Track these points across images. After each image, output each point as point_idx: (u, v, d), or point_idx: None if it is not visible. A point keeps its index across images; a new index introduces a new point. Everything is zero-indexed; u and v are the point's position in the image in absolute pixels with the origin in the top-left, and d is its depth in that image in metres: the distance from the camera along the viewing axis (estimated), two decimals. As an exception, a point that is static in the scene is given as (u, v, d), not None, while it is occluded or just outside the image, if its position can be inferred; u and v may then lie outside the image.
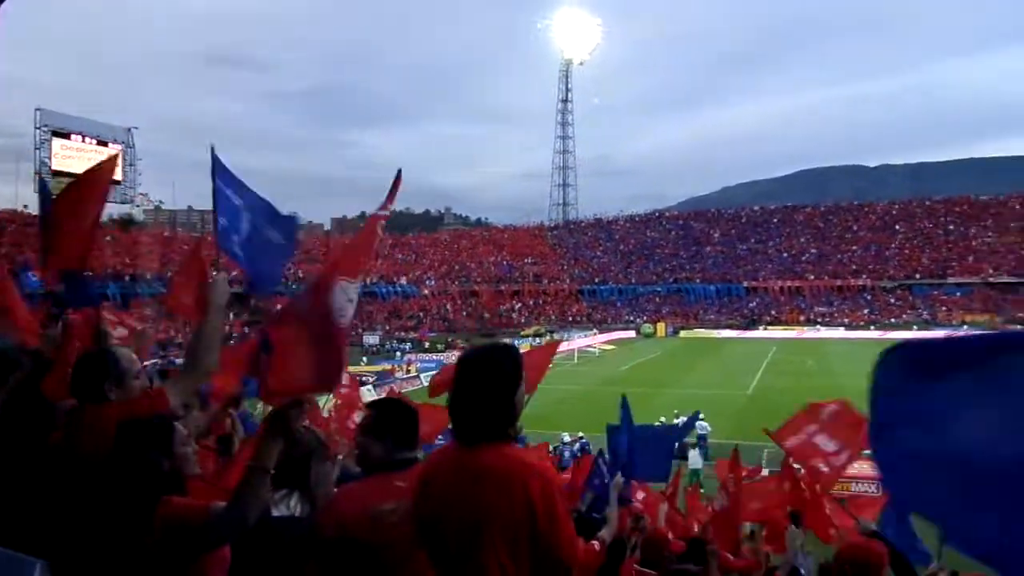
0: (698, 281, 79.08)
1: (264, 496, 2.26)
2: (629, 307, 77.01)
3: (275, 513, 2.55)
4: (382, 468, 2.51)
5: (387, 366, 41.23)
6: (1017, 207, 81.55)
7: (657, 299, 77.75)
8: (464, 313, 74.46)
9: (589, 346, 55.13)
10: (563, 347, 53.58)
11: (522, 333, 62.93)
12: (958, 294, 69.87)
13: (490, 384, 2.13)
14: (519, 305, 76.95)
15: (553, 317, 73.84)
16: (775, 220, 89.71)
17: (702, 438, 19.12)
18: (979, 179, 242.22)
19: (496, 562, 1.96)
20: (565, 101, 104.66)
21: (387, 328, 64.96)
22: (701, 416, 19.23)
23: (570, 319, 73.65)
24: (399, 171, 2.75)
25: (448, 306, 75.41)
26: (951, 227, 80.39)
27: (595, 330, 66.10)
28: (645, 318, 72.86)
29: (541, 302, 77.80)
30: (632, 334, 67.72)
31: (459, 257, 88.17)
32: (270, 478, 2.26)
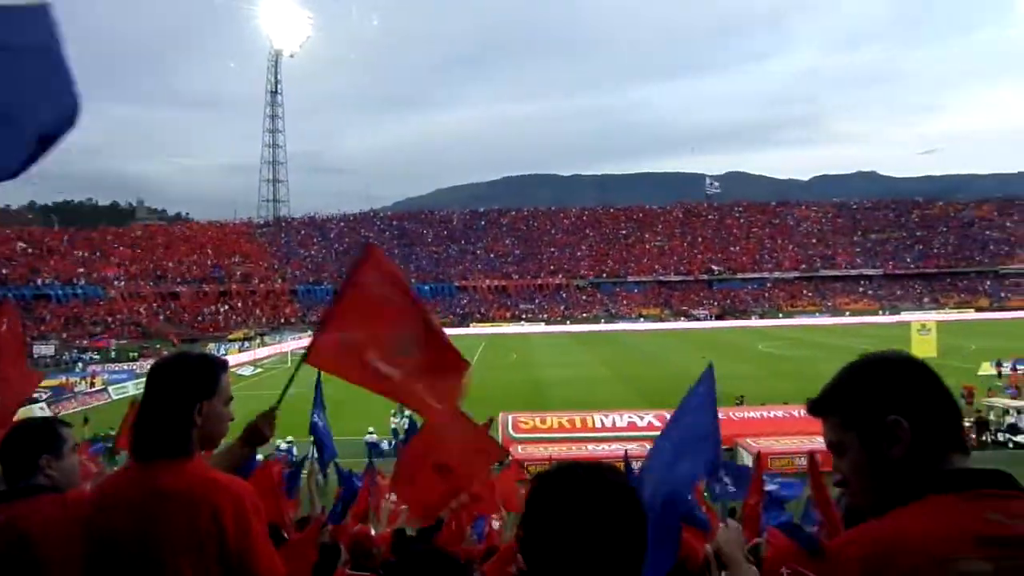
0: (412, 281, 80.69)
1: None
2: (344, 307, 76.12)
3: None
4: None
5: (64, 380, 36.07)
6: (680, 215, 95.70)
7: (372, 299, 77.84)
8: (162, 317, 67.68)
9: (303, 348, 53.38)
10: (275, 349, 51.54)
11: (230, 337, 59.05)
12: (636, 291, 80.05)
13: (172, 396, 1.97)
14: (225, 307, 71.92)
15: (264, 319, 70.27)
16: (483, 223, 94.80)
17: (403, 436, 19.44)
18: (653, 191, 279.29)
19: None
20: (275, 93, 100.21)
21: (65, 336, 56.71)
22: (407, 413, 19.69)
23: (283, 321, 70.66)
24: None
25: (142, 309, 68.00)
26: (630, 232, 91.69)
27: (311, 332, 64.20)
28: (361, 318, 72.52)
29: (250, 303, 73.53)
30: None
31: (154, 255, 79.82)
32: None
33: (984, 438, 21.33)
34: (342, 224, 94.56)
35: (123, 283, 71.90)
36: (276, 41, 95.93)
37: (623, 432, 20.97)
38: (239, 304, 73.01)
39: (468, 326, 70.10)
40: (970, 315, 68.63)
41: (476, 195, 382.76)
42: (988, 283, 78.12)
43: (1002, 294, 75.43)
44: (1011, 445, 20.90)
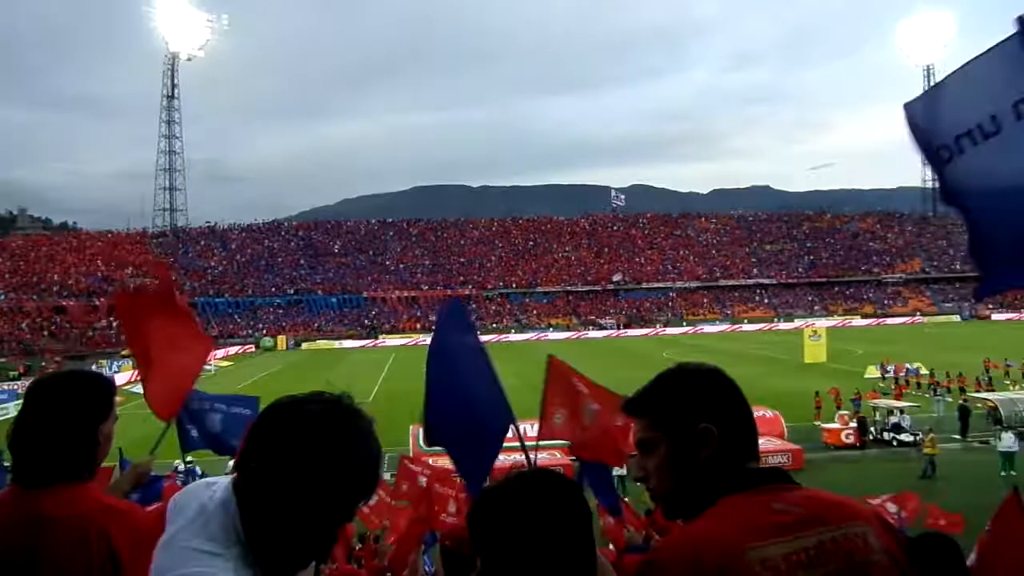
0: (319, 292, 78.93)
1: None
2: (247, 320, 73.56)
3: None
4: None
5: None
6: (587, 227, 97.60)
7: (277, 311, 75.62)
8: (46, 333, 63.51)
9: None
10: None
11: (123, 353, 55.97)
12: (545, 301, 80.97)
13: (71, 417, 1.86)
14: (118, 322, 68.21)
15: (160, 333, 67.00)
16: (392, 233, 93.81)
17: None
18: (560, 202, 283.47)
19: None
20: (171, 97, 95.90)
21: (-65, 354, 52.35)
22: None
23: (180, 335, 67.57)
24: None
25: (24, 325, 63.62)
26: (539, 243, 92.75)
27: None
28: (264, 331, 70.33)
29: (145, 317, 70.01)
30: (251, 348, 64.80)
31: (37, 267, 74.90)
32: None
33: (866, 437, 22.65)
34: (244, 234, 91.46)
35: (2, 297, 67.10)
36: (173, 43, 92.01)
37: (533, 441, 21.13)
38: (133, 318, 69.29)
39: (377, 338, 69.11)
40: (856, 321, 73.01)
41: (385, 205, 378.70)
42: (872, 291, 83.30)
43: (884, 301, 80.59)
44: (895, 443, 22.26)
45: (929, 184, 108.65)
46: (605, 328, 73.41)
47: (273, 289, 78.61)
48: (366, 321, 74.49)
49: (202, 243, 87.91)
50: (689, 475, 1.45)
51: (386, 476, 11.25)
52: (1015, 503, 3.55)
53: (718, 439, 1.44)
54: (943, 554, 2.88)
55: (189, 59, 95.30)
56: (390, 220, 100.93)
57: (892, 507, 6.09)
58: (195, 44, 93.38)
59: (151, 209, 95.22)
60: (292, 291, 78.58)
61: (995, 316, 72.94)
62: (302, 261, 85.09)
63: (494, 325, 74.16)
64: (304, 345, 66.62)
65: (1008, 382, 29.80)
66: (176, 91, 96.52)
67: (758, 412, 20.63)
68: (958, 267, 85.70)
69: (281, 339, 67.81)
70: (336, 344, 66.82)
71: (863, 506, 1.45)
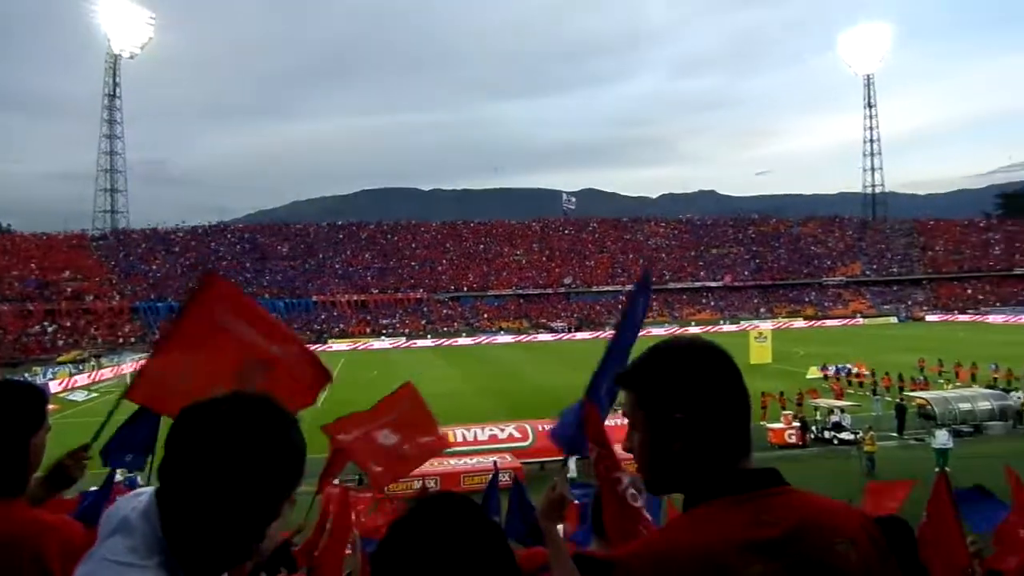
0: (266, 296, 77.45)
1: None
2: (192, 325, 71.74)
3: None
4: None
5: None
6: (538, 230, 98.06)
7: (223, 315, 73.95)
8: (-24, 339, 60.94)
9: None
10: (113, 371, 47.69)
11: (59, 359, 54.11)
12: (496, 304, 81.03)
13: (2, 429, 1.79)
14: (53, 327, 65.75)
15: (100, 340, 64.92)
16: (342, 236, 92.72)
17: None
18: (511, 205, 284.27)
19: None
20: (113, 96, 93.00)
21: None
22: None
23: (122, 341, 65.57)
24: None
25: (-48, 331, 60.94)
26: (490, 247, 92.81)
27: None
28: (210, 336, 68.69)
29: (84, 323, 67.73)
30: (195, 354, 63.20)
31: (-32, 270, 71.83)
32: None
33: (808, 436, 23.28)
34: (189, 237, 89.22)
35: (-71, 302, 64.17)
36: (114, 41, 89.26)
37: (485, 445, 21.13)
38: (69, 323, 67.05)
39: (326, 342, 68.15)
40: (799, 323, 74.93)
41: (334, 208, 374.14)
42: (814, 294, 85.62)
43: (825, 303, 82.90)
44: (836, 442, 22.92)
45: (869, 190, 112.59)
46: (556, 331, 73.82)
47: (218, 293, 76.84)
48: (315, 325, 73.42)
49: (144, 246, 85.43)
50: (662, 466, 1.35)
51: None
52: (943, 485, 3.79)
53: (697, 432, 1.32)
54: (899, 535, 3.09)
55: (132, 57, 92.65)
56: (339, 223, 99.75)
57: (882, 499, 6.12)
58: (137, 42, 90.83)
59: (91, 211, 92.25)
60: (238, 295, 76.90)
61: (929, 318, 75.69)
62: (248, 264, 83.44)
63: (445, 329, 73.91)
64: (251, 350, 65.31)
65: (942, 381, 30.93)
66: (118, 90, 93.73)
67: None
68: (896, 270, 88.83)
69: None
70: (284, 349, 65.70)
71: (854, 514, 1.34)
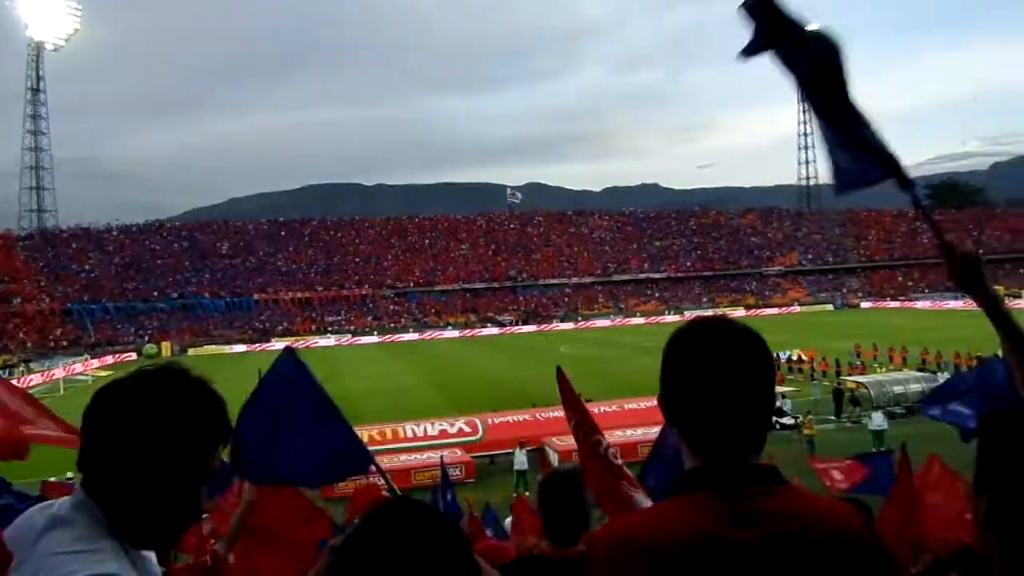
0: (206, 295, 75.57)
1: None
2: (128, 326, 69.45)
3: None
4: None
5: None
6: (484, 225, 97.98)
7: (161, 316, 71.82)
8: None
9: (80, 374, 48.12)
10: (45, 377, 45.87)
11: (-16, 364, 51.79)
12: (443, 299, 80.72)
13: None
14: None
15: (29, 344, 62.34)
16: (284, 233, 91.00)
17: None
18: (456, 200, 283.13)
19: None
20: (37, 90, 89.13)
21: None
22: None
23: (52, 344, 63.11)
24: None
25: None
26: (435, 242, 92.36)
27: (86, 355, 57.92)
28: (148, 337, 66.66)
29: (12, 326, 64.90)
30: (133, 356, 61.32)
31: None
32: None
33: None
34: (123, 236, 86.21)
35: None
36: (36, 31, 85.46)
37: (435, 440, 21.04)
38: (-3, 327, 64.19)
39: (270, 341, 66.85)
40: (740, 312, 76.68)
41: (275, 204, 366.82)
42: (754, 284, 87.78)
43: (765, 293, 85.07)
44: (777, 427, 23.55)
45: (804, 182, 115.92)
46: (503, 324, 73.95)
47: (156, 293, 74.56)
48: (257, 324, 71.94)
49: (75, 246, 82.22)
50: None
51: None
52: (905, 466, 3.90)
53: (679, 417, 1.25)
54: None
55: (56, 49, 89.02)
56: (281, 219, 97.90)
57: (838, 475, 6.31)
58: (62, 33, 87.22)
59: (15, 210, 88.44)
60: (176, 295, 74.83)
61: (863, 304, 78.43)
62: (187, 263, 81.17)
63: (392, 325, 73.31)
64: (191, 351, 63.61)
65: (876, 365, 32.08)
66: (42, 83, 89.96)
67: (652, 402, 21.34)
68: (831, 259, 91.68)
69: (166, 345, 64.52)
70: (226, 349, 64.22)
71: (847, 518, 1.21)
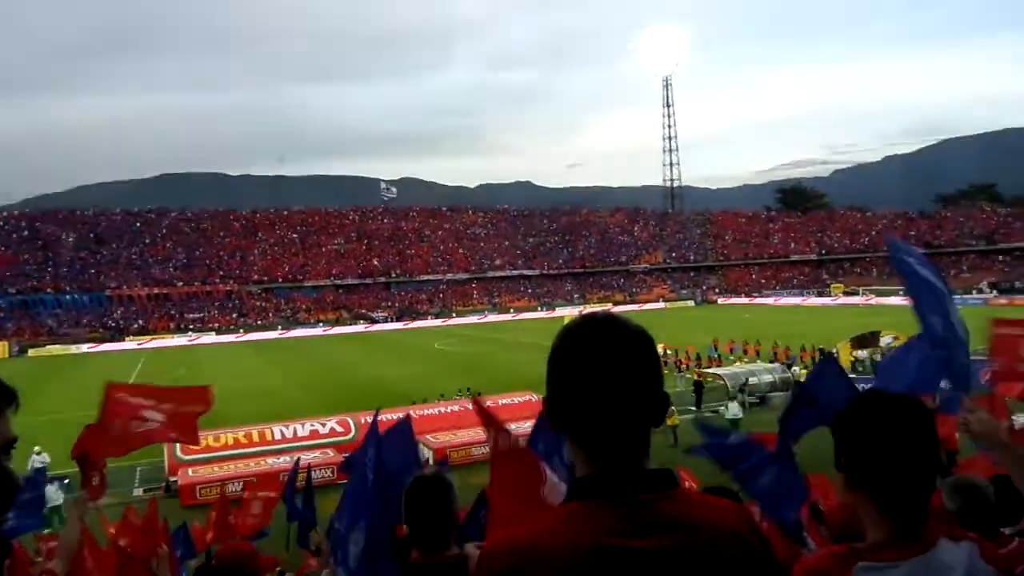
0: (49, 291, 69.54)
1: None
2: (-45, 325, 62.83)
3: None
4: None
5: None
6: (356, 219, 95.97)
7: (-4, 313, 65.46)
8: None
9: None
10: None
11: None
12: (314, 295, 78.38)
13: None
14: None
15: None
16: (139, 224, 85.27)
17: (40, 472, 16.26)
18: (327, 193, 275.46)
19: None
20: None
21: None
22: (37, 449, 17.39)
23: None
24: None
25: None
26: (306, 236, 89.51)
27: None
28: (-21, 337, 60.60)
29: None
30: (-39, 358, 55.60)
31: None
32: None
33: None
34: (-51, 225, 77.85)
35: None
36: None
37: (305, 441, 20.40)
38: None
39: (123, 340, 62.51)
40: (609, 308, 79.46)
41: (127, 193, 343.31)
42: (622, 280, 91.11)
43: (633, 289, 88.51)
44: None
45: (668, 183, 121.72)
46: (377, 321, 72.80)
47: (-11, 288, 67.88)
48: (110, 322, 66.99)
49: None
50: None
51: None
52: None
53: (561, 418, 1.21)
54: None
55: None
56: (135, 210, 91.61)
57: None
58: None
59: None
60: (14, 290, 68.41)
61: (721, 301, 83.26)
62: (27, 256, 74.38)
63: (259, 322, 70.40)
64: (32, 351, 58.41)
65: (733, 358, 34.08)
66: None
67: (525, 396, 21.65)
68: (692, 257, 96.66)
69: (2, 345, 58.91)
70: (73, 348, 59.40)
71: (733, 519, 1.21)
